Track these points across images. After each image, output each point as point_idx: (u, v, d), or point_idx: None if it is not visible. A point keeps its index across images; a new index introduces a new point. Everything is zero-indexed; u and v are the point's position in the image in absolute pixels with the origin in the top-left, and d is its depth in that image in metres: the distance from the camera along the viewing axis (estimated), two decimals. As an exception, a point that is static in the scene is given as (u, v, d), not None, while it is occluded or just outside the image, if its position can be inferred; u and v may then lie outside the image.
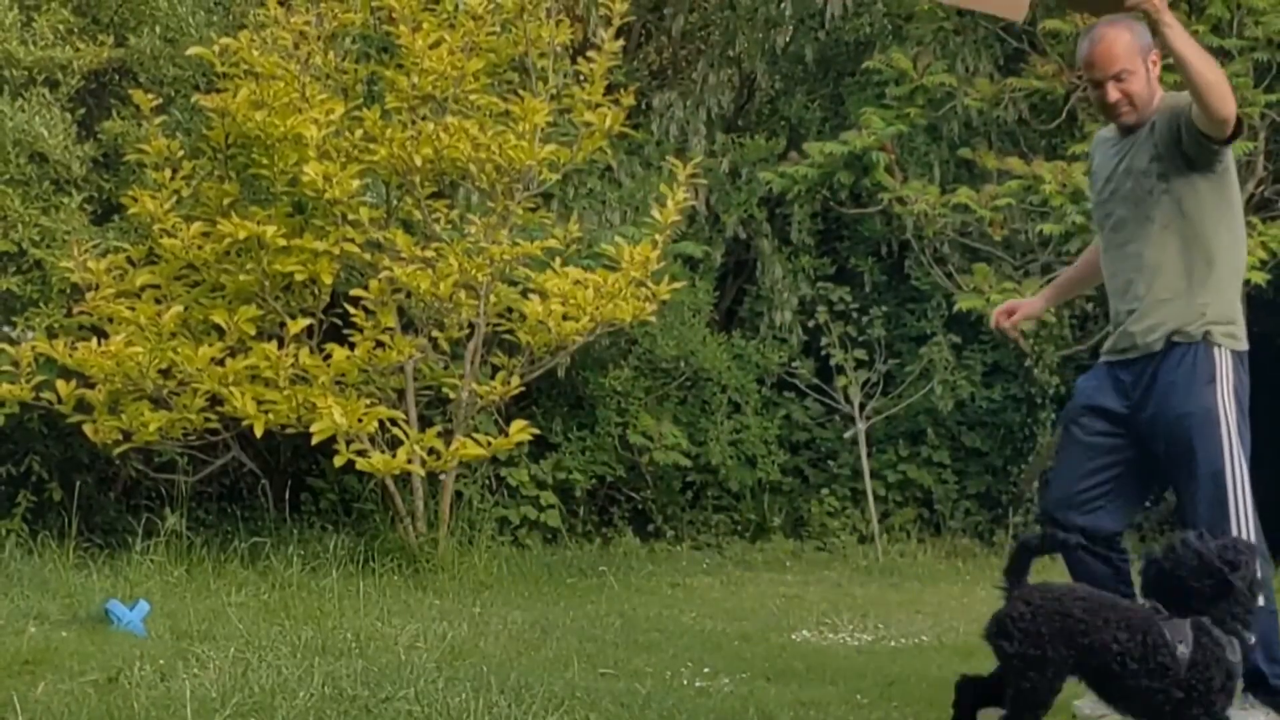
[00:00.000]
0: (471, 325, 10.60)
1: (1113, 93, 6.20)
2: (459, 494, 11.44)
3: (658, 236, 10.73)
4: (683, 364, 13.00)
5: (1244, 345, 6.02)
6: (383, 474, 10.30)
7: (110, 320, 10.14)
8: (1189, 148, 6.00)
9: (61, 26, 11.19)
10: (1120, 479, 6.12)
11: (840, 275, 14.03)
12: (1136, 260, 6.11)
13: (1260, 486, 13.56)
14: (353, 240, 10.35)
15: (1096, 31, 6.22)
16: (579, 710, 5.92)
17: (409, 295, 10.32)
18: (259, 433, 10.09)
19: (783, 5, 13.69)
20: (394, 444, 10.23)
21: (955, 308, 12.68)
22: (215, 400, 10.08)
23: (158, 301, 10.32)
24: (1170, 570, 5.16)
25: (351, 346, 10.20)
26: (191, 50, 10.74)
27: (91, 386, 10.17)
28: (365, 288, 10.37)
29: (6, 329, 10.55)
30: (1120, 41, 6.15)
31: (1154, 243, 6.06)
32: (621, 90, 10.92)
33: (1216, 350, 5.88)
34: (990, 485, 13.75)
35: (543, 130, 10.46)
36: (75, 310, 10.39)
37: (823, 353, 13.53)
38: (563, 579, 10.86)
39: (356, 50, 11.36)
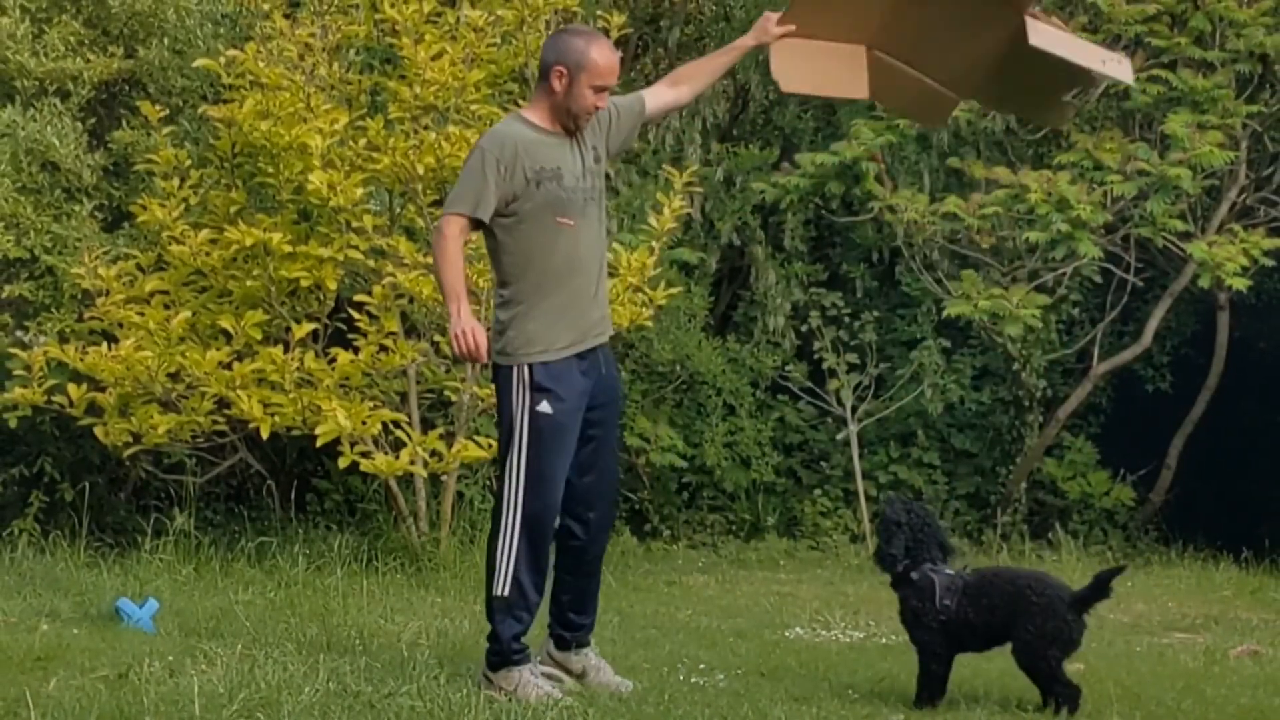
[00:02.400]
0: (473, 330, 10.58)
1: (603, 104, 6.51)
2: (460, 494, 11.44)
3: (654, 243, 10.73)
4: (679, 368, 13.00)
5: None
6: (386, 475, 10.30)
7: (120, 325, 10.15)
8: None
9: (72, 38, 11.20)
10: None
11: (832, 281, 14.03)
12: (600, 257, 6.65)
13: (1246, 487, 13.60)
14: (357, 247, 10.35)
15: (609, 41, 6.57)
16: (578, 706, 5.92)
17: (412, 300, 10.32)
18: (265, 435, 10.09)
19: (776, 18, 13.68)
20: (397, 446, 10.22)
21: (944, 313, 12.68)
22: (223, 403, 10.08)
23: (166, 307, 10.32)
24: None
25: (356, 351, 10.20)
26: (199, 62, 10.74)
27: (102, 390, 10.17)
28: (369, 293, 10.37)
29: (19, 334, 10.55)
30: None
31: None
32: (619, 101, 10.91)
33: None
34: (979, 486, 13.75)
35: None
36: (86, 315, 10.40)
37: (815, 357, 13.53)
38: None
39: (360, 62, 11.36)
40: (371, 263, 10.43)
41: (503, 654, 6.28)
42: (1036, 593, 6.13)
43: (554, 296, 6.29)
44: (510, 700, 6.06)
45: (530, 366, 6.26)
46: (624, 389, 6.67)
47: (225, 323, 10.23)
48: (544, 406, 6.23)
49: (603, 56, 6.35)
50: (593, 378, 6.37)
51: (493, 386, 10.20)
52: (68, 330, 10.57)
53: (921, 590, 6.24)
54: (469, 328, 6.12)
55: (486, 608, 6.35)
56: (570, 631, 6.61)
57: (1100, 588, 6.21)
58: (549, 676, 6.44)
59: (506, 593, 6.25)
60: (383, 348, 10.23)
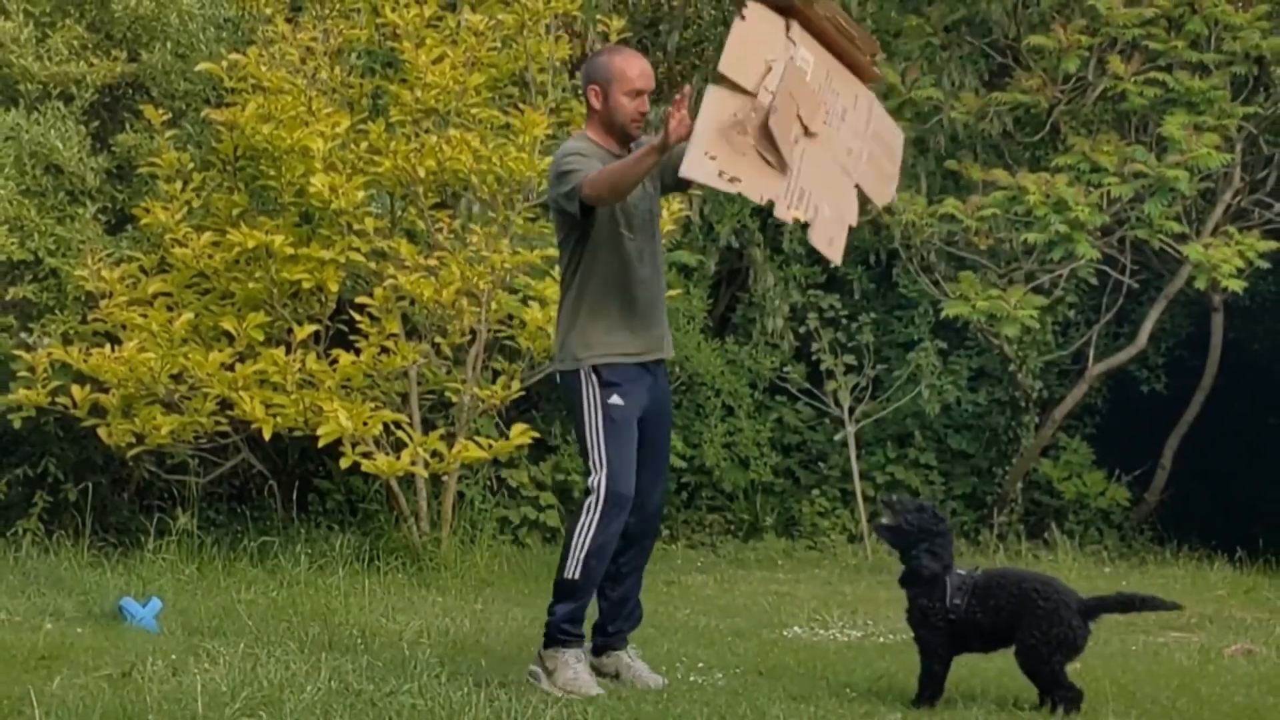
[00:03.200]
0: (473, 331, 10.60)
1: (645, 108, 6.73)
2: (461, 495, 11.45)
3: (654, 245, 10.72)
4: (678, 368, 12.99)
5: None
6: (387, 475, 10.31)
7: (123, 327, 10.16)
8: None
9: (76, 42, 11.20)
10: None
11: (830, 283, 14.02)
12: (660, 280, 7.01)
13: (1240, 487, 13.61)
14: (358, 249, 10.36)
15: (630, 49, 6.79)
16: (577, 704, 5.93)
17: (413, 302, 10.33)
18: (267, 435, 10.10)
19: (775, 21, 13.68)
20: (398, 446, 10.23)
21: (942, 314, 12.69)
22: (225, 404, 10.09)
23: (169, 309, 10.33)
24: None
25: (357, 352, 10.21)
26: (201, 66, 10.75)
27: (105, 391, 10.18)
28: (370, 295, 10.38)
29: (23, 335, 10.55)
30: None
31: None
32: (619, 104, 10.91)
33: None
34: (976, 486, 13.75)
35: (542, 142, 10.45)
36: (89, 317, 10.41)
37: (813, 358, 13.53)
38: (562, 577, 10.85)
39: (362, 65, 11.37)
40: (373, 265, 10.44)
41: (551, 633, 6.52)
42: (1043, 596, 6.13)
43: (615, 304, 6.58)
44: (549, 679, 6.35)
45: (596, 368, 6.54)
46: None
47: (227, 324, 10.24)
48: (615, 399, 6.54)
49: (628, 63, 6.62)
50: (651, 391, 6.70)
51: (494, 389, 10.25)
52: (71, 332, 10.58)
53: (932, 589, 6.24)
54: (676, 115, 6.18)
55: (554, 586, 6.57)
56: (601, 636, 6.82)
57: (1117, 605, 6.23)
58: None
59: (576, 576, 6.47)
60: (384, 349, 10.24)
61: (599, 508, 6.46)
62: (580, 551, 6.45)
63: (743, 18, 6.22)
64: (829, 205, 6.30)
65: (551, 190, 6.59)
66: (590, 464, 6.52)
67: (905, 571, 6.37)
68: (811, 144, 6.30)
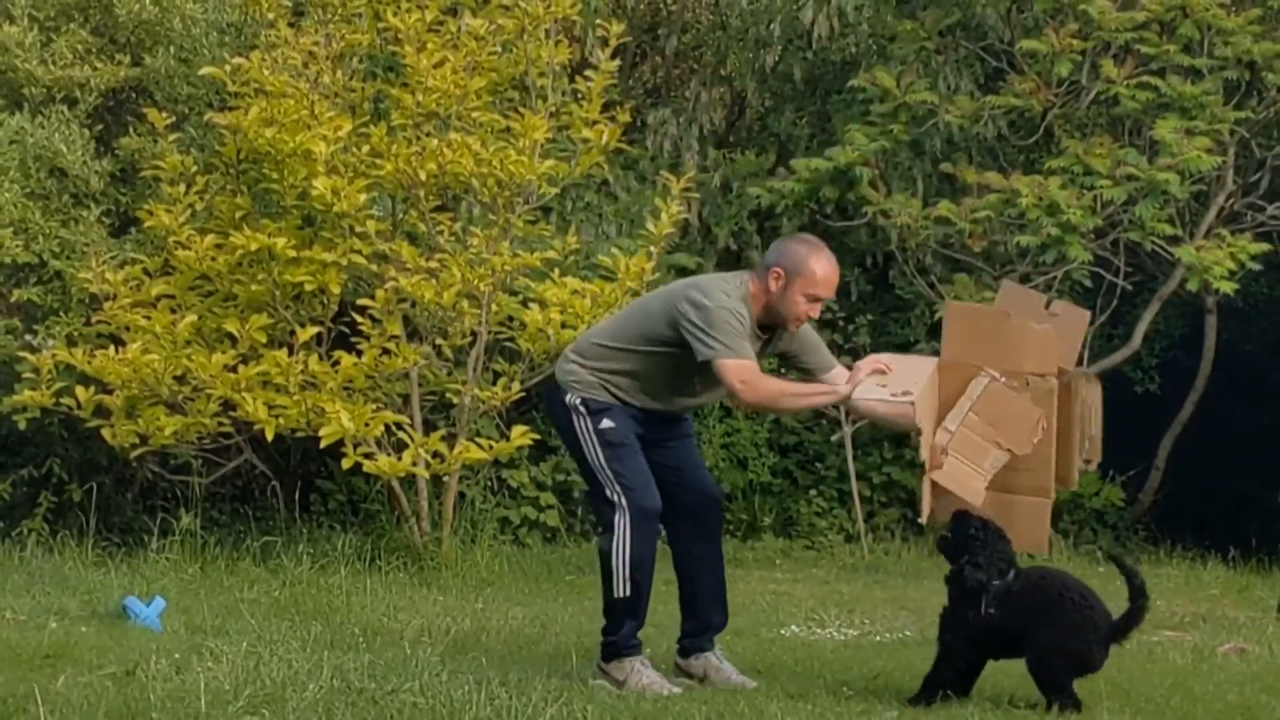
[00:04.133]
0: (474, 333, 10.60)
1: (814, 314, 6.63)
2: (462, 495, 11.44)
3: (652, 248, 10.73)
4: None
5: None
6: (389, 476, 10.31)
7: (127, 329, 10.16)
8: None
9: (80, 47, 11.21)
10: None
11: (827, 285, 13.99)
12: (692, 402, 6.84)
13: (1233, 487, 13.58)
14: (360, 252, 10.36)
15: (832, 257, 6.59)
16: (577, 702, 5.92)
17: (414, 304, 10.33)
18: (270, 436, 10.10)
19: (772, 26, 13.67)
20: (399, 447, 10.23)
21: (937, 316, 12.68)
22: (228, 405, 10.09)
23: (173, 311, 10.33)
24: None
25: (359, 354, 10.21)
26: (205, 70, 10.75)
27: (109, 392, 10.18)
28: (372, 297, 10.37)
29: (28, 337, 10.55)
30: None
31: None
32: (617, 108, 10.93)
33: None
34: (971, 486, 13.73)
35: (542, 146, 10.46)
36: (94, 319, 10.41)
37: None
38: (562, 576, 10.86)
39: (363, 69, 11.37)
40: (374, 267, 10.44)
41: (617, 647, 6.57)
42: (1076, 609, 6.10)
43: (638, 398, 6.59)
44: (621, 689, 6.38)
45: (584, 400, 6.55)
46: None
47: (230, 326, 10.24)
48: (606, 423, 6.53)
49: (821, 268, 6.49)
50: (643, 422, 6.63)
51: (495, 390, 10.23)
52: (75, 334, 10.59)
53: (973, 598, 6.17)
54: (867, 366, 6.51)
55: (606, 608, 6.61)
56: (685, 638, 6.88)
57: (1136, 612, 6.19)
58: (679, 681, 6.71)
59: (628, 593, 6.52)
60: (385, 351, 10.24)
61: (629, 524, 6.49)
62: (624, 569, 6.49)
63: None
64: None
65: (687, 316, 6.40)
66: (607, 491, 6.52)
67: (952, 573, 6.28)
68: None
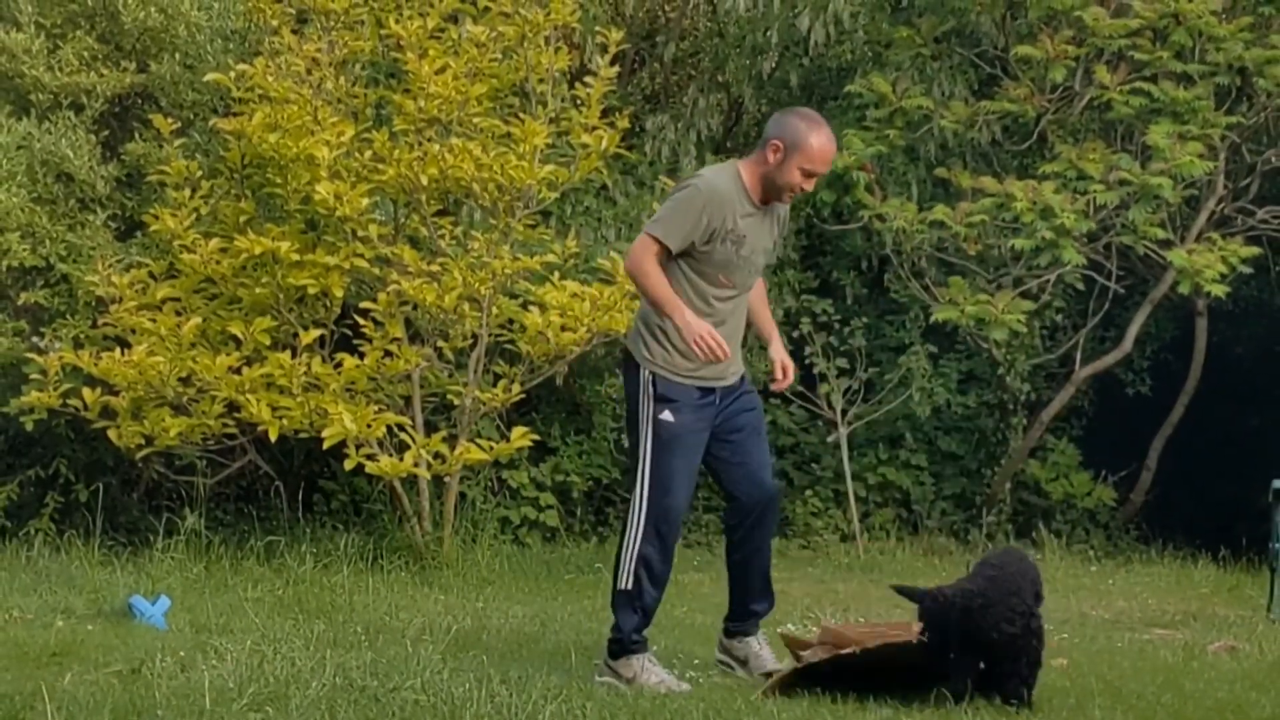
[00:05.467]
0: (475, 336, 10.61)
1: (808, 187, 6.64)
2: (463, 495, 11.45)
3: (651, 252, 10.72)
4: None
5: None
6: (391, 477, 10.32)
7: (133, 331, 10.17)
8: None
9: (86, 53, 11.21)
10: None
11: (823, 288, 14.01)
12: (743, 314, 6.81)
13: (1223, 487, 13.57)
14: (362, 255, 10.37)
15: (830, 132, 6.64)
16: (576, 700, 5.93)
17: (415, 307, 10.34)
18: (274, 437, 10.12)
19: (769, 33, 13.67)
20: (401, 448, 10.24)
21: (932, 319, 12.69)
22: (232, 407, 10.10)
23: (178, 313, 10.34)
24: None
25: (361, 356, 10.22)
26: (209, 76, 10.76)
27: (115, 394, 10.19)
28: (374, 300, 10.38)
29: (35, 339, 10.57)
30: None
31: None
32: (616, 114, 10.93)
33: None
34: (965, 487, 13.75)
35: (542, 151, 10.47)
36: (100, 322, 10.42)
37: (806, 361, 13.50)
38: (561, 576, 10.87)
39: (366, 76, 11.37)
40: (377, 271, 10.45)
41: (622, 644, 6.60)
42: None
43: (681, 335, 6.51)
44: (629, 687, 6.39)
45: (654, 376, 6.53)
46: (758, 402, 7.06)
47: (235, 329, 10.25)
48: (666, 415, 6.55)
49: (819, 143, 6.54)
50: (712, 412, 6.63)
51: (495, 392, 10.25)
52: (82, 336, 10.59)
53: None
54: (703, 331, 6.33)
55: (611, 600, 6.68)
56: (731, 621, 6.95)
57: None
58: (722, 663, 6.89)
59: (629, 586, 6.55)
60: (387, 353, 10.25)
61: (642, 518, 6.52)
62: (630, 563, 6.53)
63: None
64: None
65: (668, 198, 6.65)
66: (637, 473, 6.57)
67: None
68: None
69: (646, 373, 6.56)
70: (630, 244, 6.97)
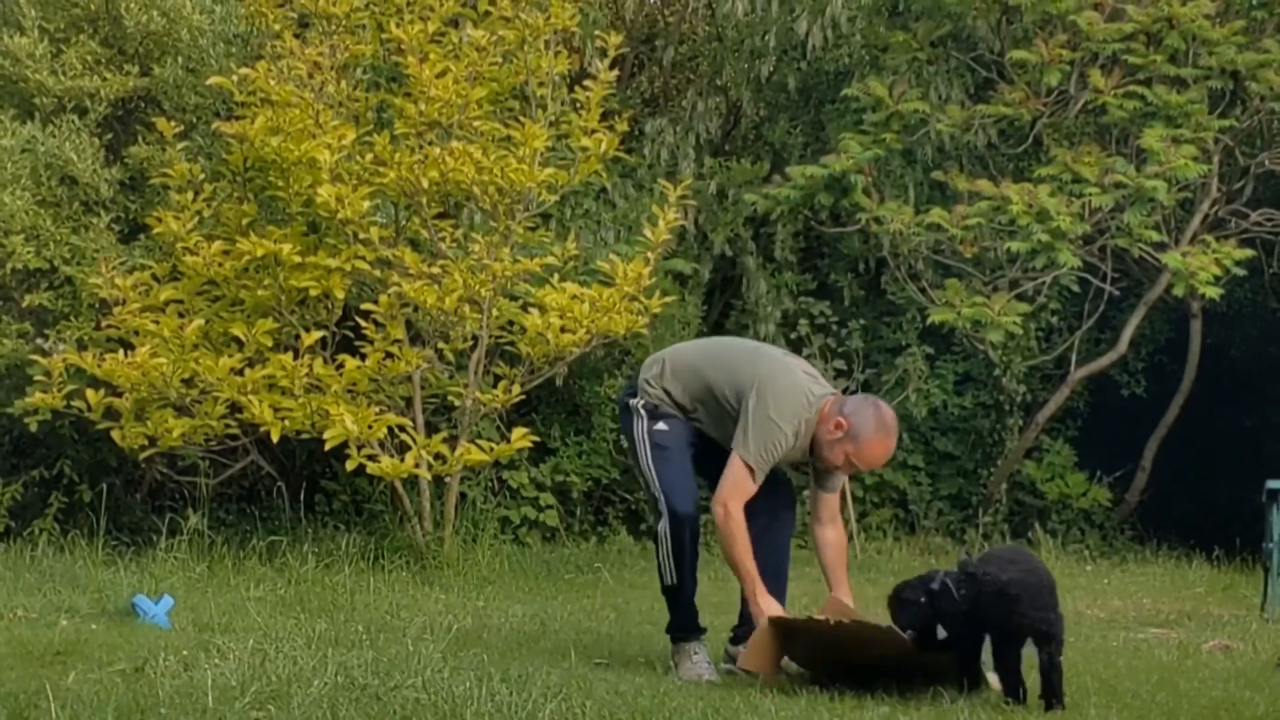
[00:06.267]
0: (475, 337, 10.61)
1: (845, 472, 6.86)
2: (463, 495, 11.45)
3: (649, 254, 10.74)
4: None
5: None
6: (392, 477, 10.31)
7: (136, 333, 10.16)
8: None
9: (89, 57, 11.21)
10: None
11: (821, 290, 14.02)
12: None
13: (1217, 488, 13.57)
14: (364, 258, 10.36)
15: (892, 446, 6.79)
16: (576, 698, 5.92)
17: (416, 309, 10.33)
18: (276, 438, 10.11)
19: (767, 37, 13.69)
20: (402, 449, 10.24)
21: (929, 320, 12.70)
22: (235, 408, 10.09)
23: (181, 315, 10.34)
24: None
25: (362, 357, 10.22)
26: (212, 80, 10.76)
27: (119, 395, 10.18)
28: (375, 302, 10.38)
29: (39, 341, 10.57)
30: None
31: None
32: (616, 117, 10.93)
33: None
34: (961, 487, 13.76)
35: (542, 154, 10.47)
36: (103, 324, 10.41)
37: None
38: (561, 575, 10.87)
39: (367, 80, 11.37)
40: (378, 273, 10.45)
41: (674, 634, 6.93)
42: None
43: (682, 408, 6.83)
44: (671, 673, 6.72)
45: (645, 405, 6.80)
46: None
47: (237, 330, 10.25)
48: (660, 426, 6.79)
49: (876, 447, 6.66)
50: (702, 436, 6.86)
51: (495, 393, 10.25)
52: (86, 338, 10.59)
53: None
54: (772, 612, 6.61)
55: (666, 599, 6.98)
56: (741, 626, 7.06)
57: None
58: (728, 669, 6.91)
59: (674, 580, 6.82)
60: (388, 354, 10.24)
61: (669, 527, 6.73)
62: (670, 561, 6.76)
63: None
64: None
65: (752, 403, 6.59)
66: (652, 488, 6.78)
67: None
68: None
69: (638, 403, 6.83)
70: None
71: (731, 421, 6.67)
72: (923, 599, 6.16)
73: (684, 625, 6.90)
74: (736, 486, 6.61)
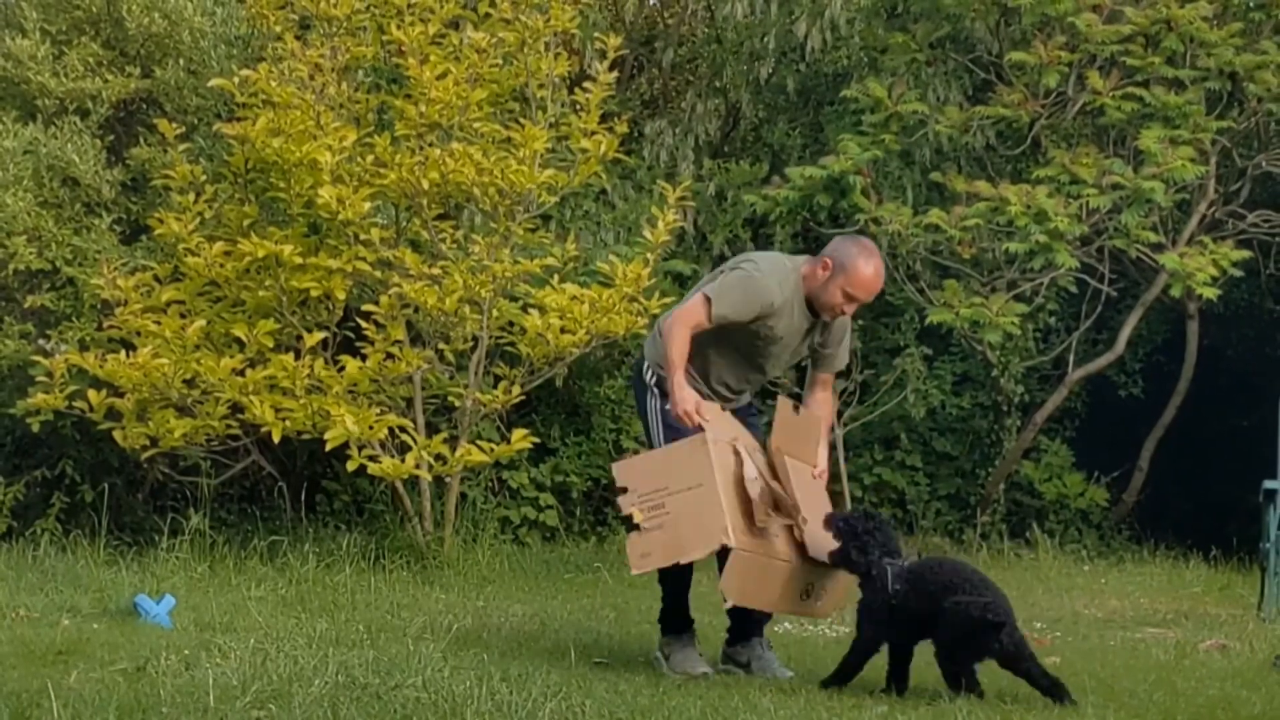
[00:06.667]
0: (475, 338, 10.62)
1: (848, 310, 6.84)
2: (463, 495, 11.46)
3: (649, 255, 10.75)
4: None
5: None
6: (392, 478, 10.32)
7: (138, 334, 10.17)
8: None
9: (91, 59, 11.23)
10: None
11: (820, 291, 14.00)
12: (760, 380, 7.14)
13: (1214, 488, 13.58)
14: (364, 259, 10.37)
15: (880, 266, 6.77)
16: (575, 697, 5.93)
17: (417, 310, 10.34)
18: (277, 438, 10.12)
19: (766, 39, 13.69)
20: (403, 450, 10.25)
21: (927, 321, 12.69)
22: (236, 408, 10.10)
23: (182, 316, 10.34)
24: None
25: (363, 358, 10.22)
26: (213, 81, 10.76)
27: (120, 395, 10.19)
28: (376, 303, 10.38)
29: (41, 342, 10.57)
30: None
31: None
32: (615, 119, 10.93)
33: None
34: (960, 487, 13.76)
35: (542, 156, 10.47)
36: (105, 324, 10.42)
37: (802, 364, 13.51)
38: (560, 575, 10.87)
39: (368, 81, 11.39)
40: (378, 274, 10.46)
41: (666, 619, 6.98)
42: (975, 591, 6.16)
43: (706, 377, 6.83)
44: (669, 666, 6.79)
45: (659, 379, 6.73)
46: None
47: (238, 331, 10.25)
48: (670, 405, 6.66)
49: (865, 271, 6.67)
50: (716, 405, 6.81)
51: (496, 394, 10.25)
52: (88, 338, 10.60)
53: (871, 582, 6.33)
54: (688, 407, 6.51)
55: (659, 580, 7.00)
56: (735, 625, 7.10)
57: None
58: (725, 670, 6.97)
59: (673, 570, 6.78)
60: (389, 355, 10.25)
61: None
62: None
63: None
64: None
65: (740, 268, 6.71)
66: None
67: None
68: None
69: (652, 377, 6.79)
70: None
71: (743, 338, 6.69)
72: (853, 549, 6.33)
73: (677, 615, 6.94)
74: (688, 310, 6.62)
